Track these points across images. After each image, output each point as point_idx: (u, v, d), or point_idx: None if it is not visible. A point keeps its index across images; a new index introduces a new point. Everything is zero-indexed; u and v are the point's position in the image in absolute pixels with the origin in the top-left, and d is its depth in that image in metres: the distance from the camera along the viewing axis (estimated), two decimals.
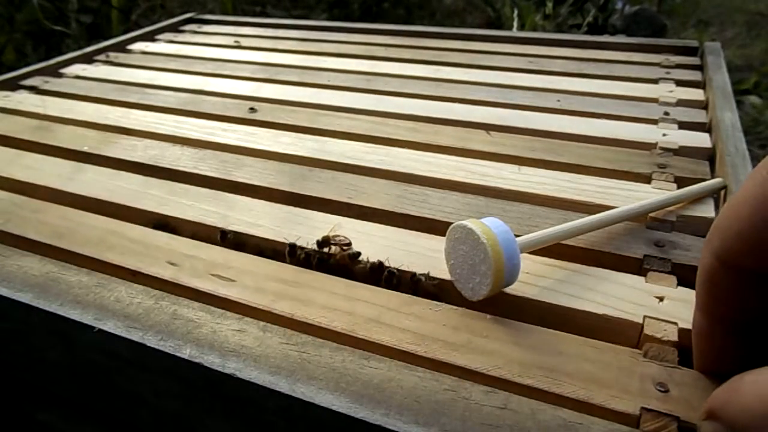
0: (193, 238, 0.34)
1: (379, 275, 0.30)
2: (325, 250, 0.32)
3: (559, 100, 0.53)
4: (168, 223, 0.36)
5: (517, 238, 0.28)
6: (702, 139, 0.44)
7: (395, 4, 2.11)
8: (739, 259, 0.19)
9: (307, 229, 0.34)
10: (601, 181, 0.39)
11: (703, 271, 0.20)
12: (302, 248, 0.32)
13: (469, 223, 0.27)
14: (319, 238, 0.32)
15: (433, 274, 0.30)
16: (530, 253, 0.30)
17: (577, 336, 0.26)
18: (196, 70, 0.65)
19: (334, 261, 0.32)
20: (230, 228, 0.35)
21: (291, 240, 0.33)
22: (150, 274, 0.31)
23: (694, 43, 0.67)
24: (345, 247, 0.32)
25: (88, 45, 0.76)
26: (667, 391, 0.23)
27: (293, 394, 0.23)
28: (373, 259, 0.31)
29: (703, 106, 0.51)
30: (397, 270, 0.30)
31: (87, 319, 0.27)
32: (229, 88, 0.59)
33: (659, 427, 0.22)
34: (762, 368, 0.17)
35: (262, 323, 0.27)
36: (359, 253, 0.32)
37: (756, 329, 0.20)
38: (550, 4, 1.63)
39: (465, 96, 0.55)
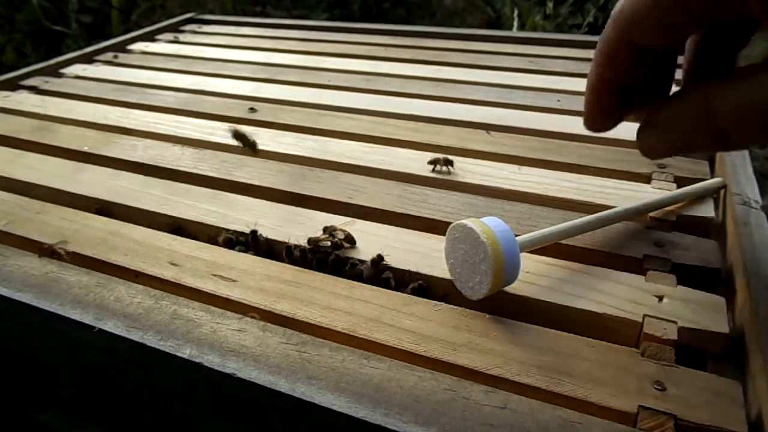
0: (193, 238, 0.34)
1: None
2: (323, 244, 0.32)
3: (559, 100, 0.53)
4: (169, 224, 0.36)
5: (517, 237, 0.28)
6: None
7: (395, 4, 2.11)
8: (631, 31, 0.22)
9: (307, 229, 0.34)
10: (601, 181, 0.39)
11: (603, 36, 0.24)
12: (296, 246, 0.33)
13: (469, 222, 0.27)
14: (321, 234, 0.33)
15: (434, 273, 0.30)
16: (530, 252, 0.30)
17: (576, 335, 0.26)
18: (196, 70, 0.65)
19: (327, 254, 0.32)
20: (231, 227, 0.35)
21: (292, 240, 0.33)
22: (152, 274, 0.31)
23: None
24: (342, 243, 0.32)
25: (88, 45, 0.76)
26: (664, 390, 0.23)
27: (293, 394, 0.23)
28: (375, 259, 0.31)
29: None
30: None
31: (87, 319, 0.27)
32: (229, 88, 0.59)
33: (656, 425, 0.22)
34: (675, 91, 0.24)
35: (262, 323, 0.27)
36: (348, 259, 0.32)
37: (629, 91, 0.26)
38: (550, 4, 1.63)
39: (465, 96, 0.55)
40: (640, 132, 0.26)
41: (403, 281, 0.31)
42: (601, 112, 0.27)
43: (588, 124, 0.28)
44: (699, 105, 0.22)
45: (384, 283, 0.30)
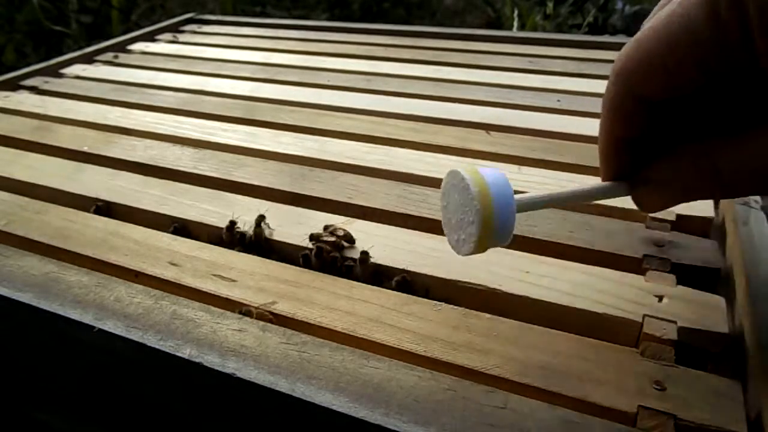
0: (193, 238, 0.34)
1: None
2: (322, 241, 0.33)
3: (559, 100, 0.53)
4: (169, 224, 0.36)
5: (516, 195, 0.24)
6: None
7: (395, 4, 2.11)
8: (636, 85, 0.22)
9: (307, 229, 0.34)
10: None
11: (607, 92, 0.23)
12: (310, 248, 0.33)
13: (467, 176, 0.24)
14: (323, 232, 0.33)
15: (434, 274, 0.30)
16: (529, 251, 0.30)
17: (576, 335, 0.26)
18: (196, 70, 0.65)
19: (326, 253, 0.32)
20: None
21: (297, 241, 0.33)
22: (152, 274, 0.31)
23: None
24: (342, 242, 0.32)
25: (88, 45, 0.76)
26: (663, 390, 0.23)
27: (293, 394, 0.23)
28: (376, 260, 0.31)
29: None
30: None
31: (87, 319, 0.27)
32: (229, 88, 0.59)
33: (656, 425, 0.22)
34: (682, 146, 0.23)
35: (261, 323, 0.27)
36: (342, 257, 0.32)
37: (639, 147, 0.25)
38: (550, 4, 1.63)
39: (465, 96, 0.55)
40: (634, 187, 0.25)
41: (405, 282, 0.31)
42: (617, 171, 0.26)
43: (605, 179, 0.27)
44: (701, 161, 0.22)
45: (374, 280, 0.30)
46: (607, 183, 0.26)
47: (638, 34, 0.22)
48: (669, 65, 0.20)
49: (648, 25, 0.21)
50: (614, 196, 0.26)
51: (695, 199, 0.24)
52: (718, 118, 0.23)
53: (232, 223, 0.34)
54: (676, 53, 0.20)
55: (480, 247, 0.24)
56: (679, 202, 0.24)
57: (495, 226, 0.23)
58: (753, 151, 0.21)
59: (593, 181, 0.28)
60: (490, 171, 0.24)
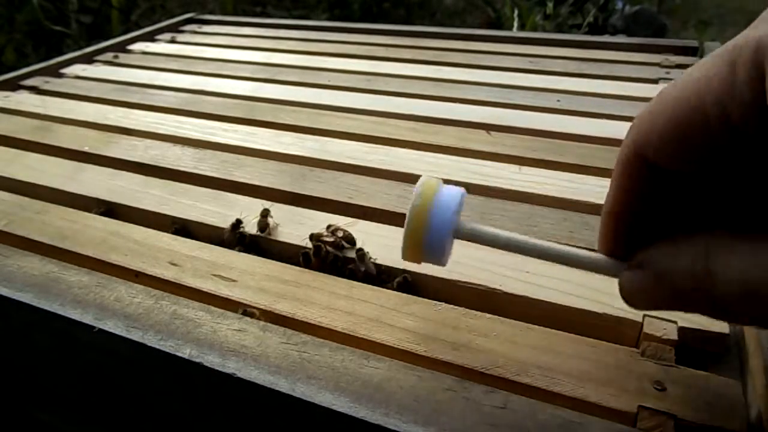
0: (194, 238, 0.34)
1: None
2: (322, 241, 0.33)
3: (559, 100, 0.53)
4: (169, 224, 0.36)
5: (464, 220, 0.24)
6: None
7: (395, 4, 2.11)
8: (652, 154, 0.20)
9: (307, 229, 0.34)
10: (601, 181, 0.39)
11: (621, 155, 0.21)
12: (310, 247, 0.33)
13: (422, 185, 0.24)
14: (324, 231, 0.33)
15: (434, 274, 0.30)
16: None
17: (576, 335, 0.26)
18: (197, 70, 0.65)
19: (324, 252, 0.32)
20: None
21: (298, 241, 0.33)
22: (152, 274, 0.31)
23: (694, 43, 0.67)
24: (342, 242, 0.33)
25: (88, 45, 0.76)
26: (663, 390, 0.23)
27: (293, 394, 0.23)
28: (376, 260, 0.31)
29: None
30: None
31: (87, 318, 0.27)
32: (229, 88, 0.59)
33: (656, 425, 0.22)
34: (688, 237, 0.20)
35: (262, 323, 0.27)
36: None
37: (648, 219, 0.22)
38: (550, 4, 1.63)
39: (465, 96, 0.55)
40: (626, 268, 0.22)
41: (406, 282, 0.31)
42: (614, 243, 0.23)
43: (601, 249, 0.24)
44: (696, 260, 0.19)
45: (373, 279, 0.30)
46: (595, 254, 0.23)
47: (660, 91, 0.20)
48: (681, 125, 0.19)
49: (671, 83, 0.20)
50: (598, 271, 0.23)
51: (687, 311, 0.20)
52: (738, 207, 0.20)
53: (239, 222, 0.34)
54: (690, 110, 0.18)
55: (407, 255, 0.24)
56: (669, 308, 0.21)
57: (424, 241, 0.23)
58: (757, 262, 0.17)
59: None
60: (449, 190, 0.24)
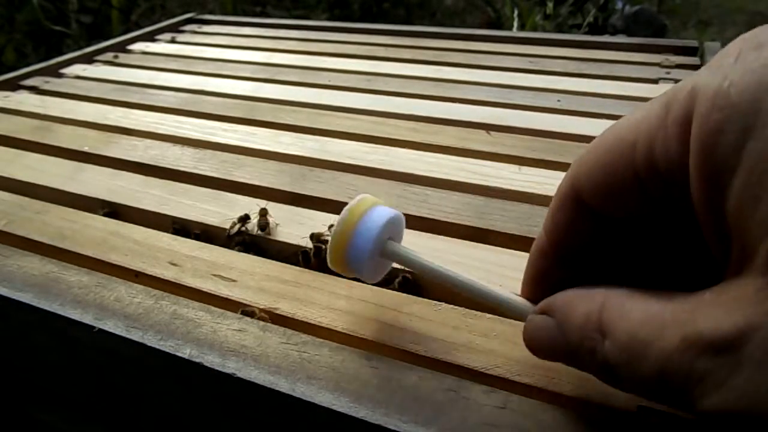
0: (194, 238, 0.34)
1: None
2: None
3: (559, 100, 0.53)
4: (167, 223, 0.36)
5: (391, 242, 0.25)
6: None
7: (395, 4, 2.11)
8: (585, 194, 0.19)
9: (307, 229, 0.34)
10: None
11: (558, 193, 0.21)
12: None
13: (356, 201, 0.25)
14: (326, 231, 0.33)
15: None
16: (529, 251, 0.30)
17: None
18: (196, 70, 0.65)
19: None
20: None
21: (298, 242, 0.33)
22: (152, 274, 0.31)
23: (694, 43, 0.67)
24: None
25: (88, 45, 0.76)
26: None
27: (293, 394, 0.23)
28: None
29: None
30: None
31: (87, 319, 0.27)
32: (229, 88, 0.59)
33: (656, 423, 0.22)
34: (592, 290, 0.19)
35: (262, 323, 0.27)
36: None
37: (579, 261, 0.21)
38: (550, 4, 1.63)
39: (465, 96, 0.55)
40: (531, 314, 0.21)
41: (407, 282, 0.31)
42: (535, 284, 0.22)
43: (523, 290, 0.23)
44: (590, 314, 0.18)
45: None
46: (514, 297, 0.23)
47: (605, 129, 0.19)
48: (610, 166, 0.18)
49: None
50: (512, 315, 0.23)
51: (580, 368, 0.20)
52: (666, 260, 0.19)
53: (246, 216, 0.35)
54: (620, 153, 0.18)
55: (332, 264, 0.26)
56: (569, 363, 0.20)
57: (346, 255, 0.25)
58: (639, 318, 0.16)
59: None
60: (381, 210, 0.25)
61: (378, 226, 0.24)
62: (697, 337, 0.15)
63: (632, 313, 0.17)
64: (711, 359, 0.14)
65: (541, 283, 0.22)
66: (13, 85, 0.60)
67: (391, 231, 0.25)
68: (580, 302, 0.19)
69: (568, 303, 0.20)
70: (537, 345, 0.21)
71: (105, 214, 0.37)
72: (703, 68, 0.17)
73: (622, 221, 0.19)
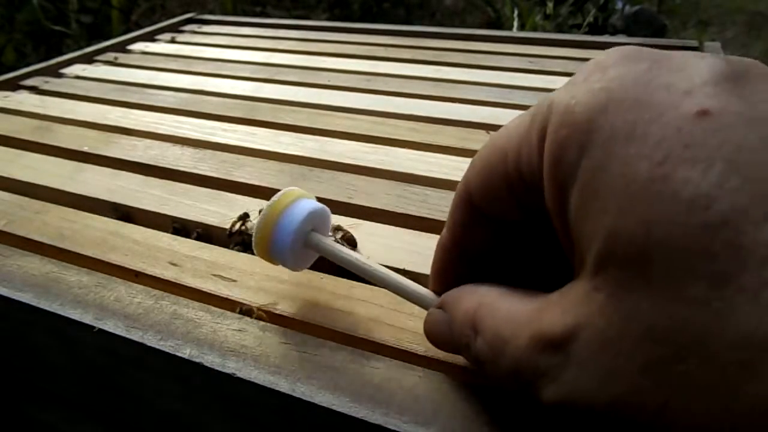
0: (194, 238, 0.34)
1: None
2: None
3: None
4: (167, 223, 0.36)
5: (314, 233, 0.26)
6: None
7: (395, 4, 2.11)
8: (474, 197, 0.20)
9: None
10: None
11: (456, 193, 0.21)
12: None
13: (283, 193, 0.26)
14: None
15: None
16: None
17: None
18: (196, 70, 0.65)
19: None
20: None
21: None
22: (152, 274, 0.31)
23: (694, 43, 0.67)
24: (342, 243, 0.32)
25: (88, 45, 0.76)
26: None
27: (293, 394, 0.23)
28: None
29: None
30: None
31: (87, 319, 0.27)
32: (229, 88, 0.59)
33: None
34: (478, 287, 0.20)
35: (262, 323, 0.27)
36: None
37: (479, 261, 0.22)
38: (550, 4, 1.64)
39: (465, 96, 0.55)
40: (431, 308, 0.22)
41: None
42: (440, 279, 0.23)
43: (430, 283, 0.24)
44: (468, 310, 0.19)
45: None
46: (424, 290, 0.24)
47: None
48: (488, 171, 0.19)
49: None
50: (419, 305, 0.24)
51: (470, 363, 0.20)
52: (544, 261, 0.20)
53: (246, 215, 0.35)
54: (497, 159, 0.19)
55: (257, 252, 0.27)
56: (459, 354, 0.21)
57: (269, 244, 0.26)
58: (502, 318, 0.18)
59: None
60: (306, 203, 0.26)
61: (298, 220, 0.25)
62: (540, 336, 0.16)
63: (499, 312, 0.18)
64: (550, 356, 0.15)
65: (446, 277, 0.23)
66: (12, 85, 0.60)
67: (313, 223, 0.26)
68: (465, 299, 0.20)
69: (456, 299, 0.21)
70: (433, 338, 0.22)
71: (118, 218, 0.37)
72: (566, 82, 0.17)
73: (508, 224, 0.20)
